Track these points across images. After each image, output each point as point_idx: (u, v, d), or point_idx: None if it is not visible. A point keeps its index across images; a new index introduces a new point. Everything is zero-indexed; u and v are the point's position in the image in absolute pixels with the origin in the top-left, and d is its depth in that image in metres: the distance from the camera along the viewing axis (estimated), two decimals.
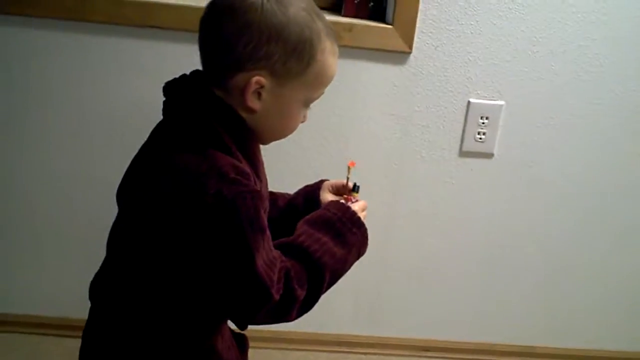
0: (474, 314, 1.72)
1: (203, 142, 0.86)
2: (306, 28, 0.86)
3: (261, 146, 0.98)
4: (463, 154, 1.56)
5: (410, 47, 1.45)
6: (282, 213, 1.10)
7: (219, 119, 0.87)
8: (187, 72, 0.94)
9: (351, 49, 1.44)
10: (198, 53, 0.92)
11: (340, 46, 1.51)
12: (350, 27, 1.43)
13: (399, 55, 1.47)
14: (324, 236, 0.94)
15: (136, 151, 0.96)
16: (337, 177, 1.45)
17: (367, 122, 1.53)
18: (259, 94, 0.88)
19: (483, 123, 1.53)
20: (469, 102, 1.52)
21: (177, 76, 0.93)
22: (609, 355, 1.78)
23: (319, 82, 0.92)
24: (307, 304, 0.92)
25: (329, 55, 0.90)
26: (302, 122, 0.96)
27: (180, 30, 1.40)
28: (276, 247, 0.91)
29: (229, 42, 0.85)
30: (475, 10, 1.45)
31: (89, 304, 0.99)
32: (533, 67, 1.51)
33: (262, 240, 0.84)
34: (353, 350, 1.72)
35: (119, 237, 0.94)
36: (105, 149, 1.51)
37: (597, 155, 1.61)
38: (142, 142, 0.96)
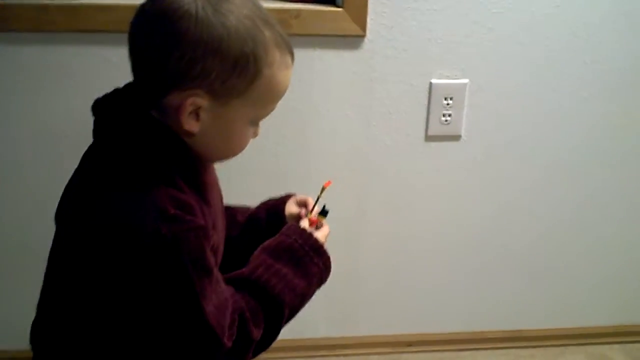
0: (456, 304, 1.69)
1: (138, 173, 0.77)
2: (249, 40, 0.76)
3: None
4: (429, 138, 1.51)
5: (364, 29, 1.39)
6: (242, 230, 1.02)
7: (155, 144, 0.78)
8: (121, 85, 0.84)
9: (301, 37, 1.37)
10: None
11: (291, 35, 1.46)
12: (297, 13, 1.36)
13: (353, 39, 1.40)
14: (284, 267, 0.87)
15: (73, 166, 0.87)
16: (298, 179, 1.49)
17: (326, 114, 1.47)
18: (196, 115, 0.79)
19: (448, 104, 1.48)
20: (431, 83, 1.46)
21: (107, 92, 0.83)
22: (598, 332, 1.76)
23: (267, 99, 0.82)
24: (264, 343, 0.85)
25: (279, 69, 0.80)
26: (253, 137, 0.87)
27: (115, 32, 1.28)
28: (230, 281, 0.83)
29: (158, 56, 0.75)
30: None
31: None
32: (496, 40, 1.45)
33: (209, 283, 0.76)
34: (333, 353, 1.68)
35: (57, 272, 0.84)
36: (39, 165, 1.42)
37: (574, 129, 1.55)
38: (80, 153, 0.87)
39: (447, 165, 1.54)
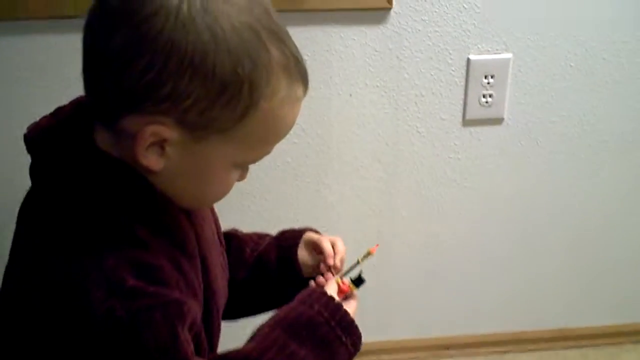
0: (496, 303, 1.61)
1: (84, 228, 0.60)
2: (246, 58, 0.57)
3: None
4: (467, 122, 1.41)
5: (390, 1, 1.28)
6: (250, 274, 0.85)
7: (103, 187, 0.61)
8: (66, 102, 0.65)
9: (317, 13, 1.28)
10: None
11: (305, 11, 1.30)
12: None
13: (377, 13, 1.30)
14: (301, 348, 0.69)
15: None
16: (319, 175, 1.39)
17: (349, 99, 1.36)
18: (161, 148, 0.60)
19: (488, 83, 1.37)
20: (468, 59, 1.35)
21: (45, 115, 0.65)
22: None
23: (261, 139, 0.64)
24: None
25: (284, 104, 0.62)
26: (239, 180, 0.69)
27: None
28: None
29: (117, 64, 0.57)
30: None
31: None
32: (544, 6, 1.33)
33: None
34: (363, 359, 1.57)
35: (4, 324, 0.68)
36: None
37: (629, 110, 1.44)
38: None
39: (488, 153, 1.44)
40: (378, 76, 1.34)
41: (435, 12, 1.30)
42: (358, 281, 0.80)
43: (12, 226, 0.68)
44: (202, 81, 0.56)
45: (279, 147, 1.39)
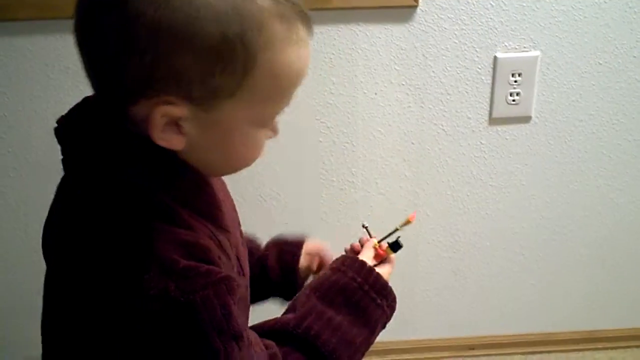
0: (522, 303, 1.59)
1: (126, 213, 0.60)
2: (232, 16, 0.55)
3: None
4: (494, 121, 1.38)
5: None
6: (253, 275, 0.84)
7: (139, 167, 0.61)
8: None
9: (342, 11, 1.26)
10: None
11: (330, 9, 1.29)
12: None
13: (403, 10, 1.28)
14: (338, 314, 0.71)
15: None
16: (343, 173, 1.39)
17: (374, 98, 1.34)
18: (177, 127, 0.59)
19: (515, 81, 1.34)
20: (495, 57, 1.32)
21: (71, 107, 0.64)
22: None
23: (275, 91, 0.62)
24: None
25: (285, 47, 0.59)
26: (272, 137, 0.68)
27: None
28: (270, 334, 0.69)
29: (112, 52, 0.56)
30: None
31: None
32: (572, 4, 1.30)
33: (239, 350, 0.60)
34: (388, 358, 1.60)
35: (54, 316, 0.68)
36: None
37: None
38: None
39: (516, 152, 1.42)
40: (404, 74, 1.32)
41: (462, 9, 1.27)
42: (396, 245, 0.80)
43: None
44: (194, 55, 0.55)
45: (304, 145, 1.41)
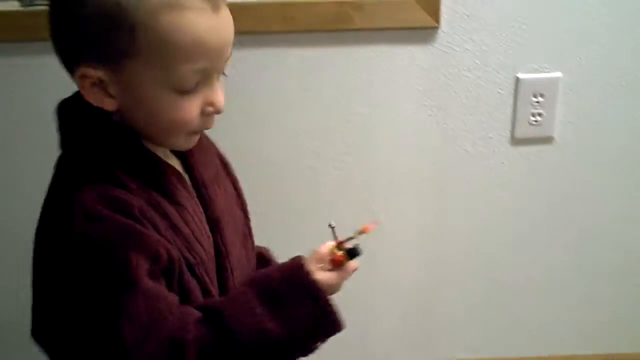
0: (545, 324, 1.57)
1: (78, 174, 0.73)
2: None
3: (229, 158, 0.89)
4: (516, 141, 1.38)
5: (437, 20, 1.28)
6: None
7: (86, 133, 0.75)
8: None
9: (363, 32, 1.28)
10: None
11: (352, 30, 1.30)
12: (360, 5, 1.25)
13: (425, 32, 1.29)
14: (260, 305, 0.74)
15: None
16: (364, 192, 1.38)
17: (396, 119, 1.35)
18: (102, 90, 0.72)
19: (537, 102, 1.35)
20: (517, 77, 1.33)
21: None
22: None
23: (168, 55, 0.69)
24: None
25: (171, 13, 0.68)
26: (211, 109, 0.75)
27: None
28: (202, 308, 0.74)
29: (52, 27, 0.73)
30: None
31: None
32: (594, 25, 1.30)
33: (134, 296, 0.68)
34: None
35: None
36: None
37: None
38: None
39: (538, 173, 1.41)
40: (425, 95, 1.33)
41: (483, 31, 1.29)
42: (353, 252, 0.80)
43: None
44: (88, 20, 0.68)
45: (324, 167, 1.42)
